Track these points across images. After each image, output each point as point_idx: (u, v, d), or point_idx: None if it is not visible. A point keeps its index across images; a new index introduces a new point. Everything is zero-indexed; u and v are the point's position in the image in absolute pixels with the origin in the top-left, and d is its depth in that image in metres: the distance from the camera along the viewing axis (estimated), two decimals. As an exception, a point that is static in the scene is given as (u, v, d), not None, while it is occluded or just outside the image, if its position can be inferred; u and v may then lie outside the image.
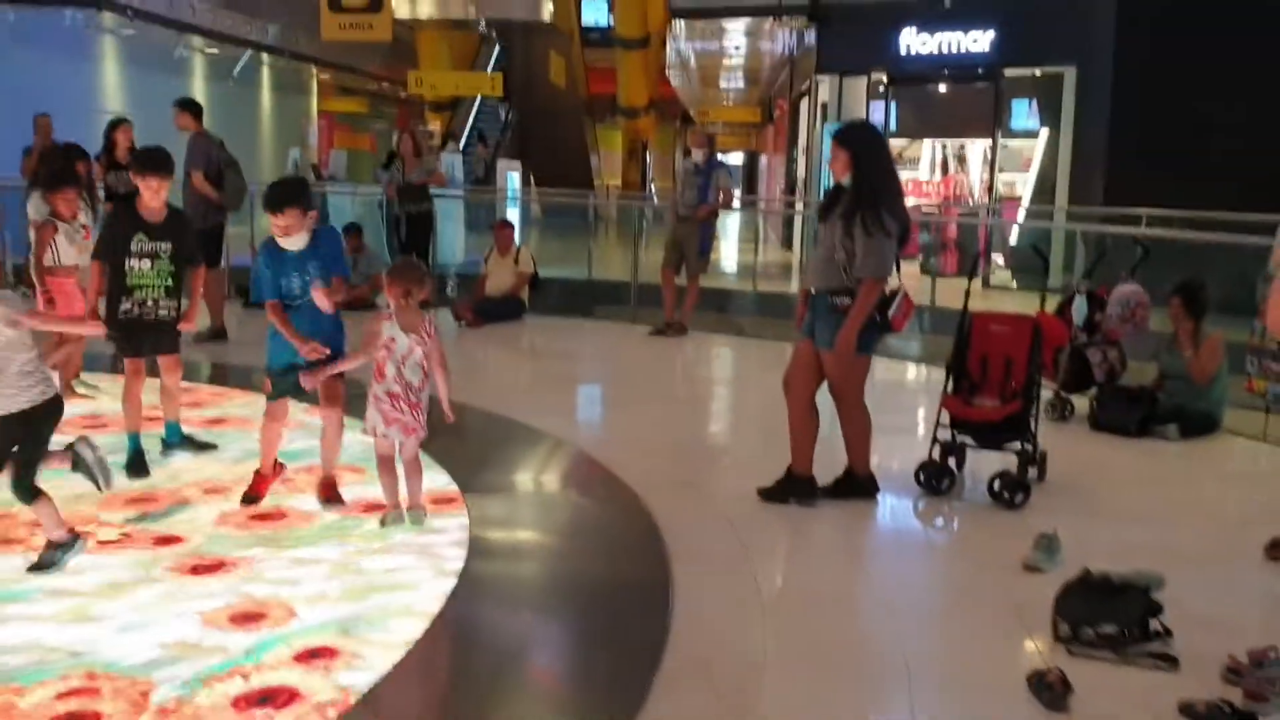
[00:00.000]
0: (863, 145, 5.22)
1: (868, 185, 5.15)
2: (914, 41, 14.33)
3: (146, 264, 5.44)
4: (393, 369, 4.70)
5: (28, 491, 4.14)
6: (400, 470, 4.88)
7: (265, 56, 22.09)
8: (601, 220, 19.09)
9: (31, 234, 6.79)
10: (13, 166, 11.44)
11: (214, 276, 8.71)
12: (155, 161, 5.44)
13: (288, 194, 4.75)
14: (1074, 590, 3.84)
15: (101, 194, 8.87)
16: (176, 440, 5.82)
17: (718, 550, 4.73)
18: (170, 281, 5.51)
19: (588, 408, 8.21)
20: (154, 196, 5.43)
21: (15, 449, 4.08)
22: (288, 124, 23.49)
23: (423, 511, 4.88)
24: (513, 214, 15.53)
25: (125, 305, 5.45)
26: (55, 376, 6.73)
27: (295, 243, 4.76)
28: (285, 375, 4.97)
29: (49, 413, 4.13)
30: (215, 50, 20.12)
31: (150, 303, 5.48)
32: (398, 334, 4.69)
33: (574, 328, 11.20)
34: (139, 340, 5.55)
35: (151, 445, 5.69)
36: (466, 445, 6.19)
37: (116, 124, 9.14)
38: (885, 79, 14.66)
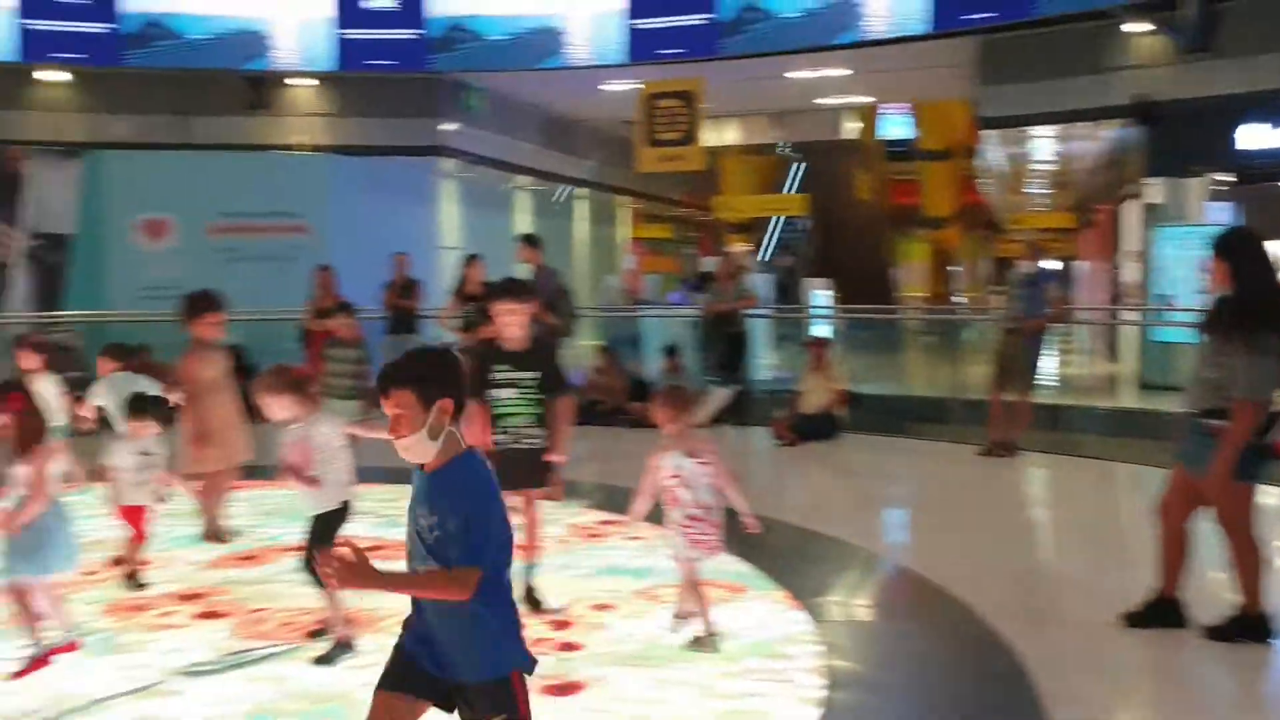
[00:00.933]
0: (1244, 256, 4.86)
1: (1250, 298, 4.77)
2: (1260, 136, 13.31)
3: (511, 393, 5.29)
4: (688, 494, 4.74)
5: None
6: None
7: (582, 190, 23.50)
8: (913, 334, 18.76)
9: None
10: (375, 299, 12.54)
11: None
12: (508, 288, 5.51)
13: (400, 368, 2.87)
14: None
15: (456, 324, 9.60)
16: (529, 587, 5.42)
17: (1093, 691, 4.37)
18: (537, 410, 5.30)
19: (922, 530, 7.91)
20: (509, 324, 5.33)
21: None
22: (602, 252, 24.77)
23: (685, 620, 4.91)
24: (823, 330, 15.50)
25: (497, 436, 5.31)
26: None
27: (415, 454, 2.84)
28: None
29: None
30: (538, 186, 21.61)
31: (519, 431, 5.29)
32: (682, 460, 4.75)
33: (893, 447, 10.92)
34: (512, 472, 5.18)
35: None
36: (806, 568, 6.12)
37: (470, 260, 9.88)
38: (1227, 178, 13.69)
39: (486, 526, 2.79)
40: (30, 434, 4.60)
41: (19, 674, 4.54)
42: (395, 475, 8.39)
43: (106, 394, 6.59)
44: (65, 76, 15.97)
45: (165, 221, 14.98)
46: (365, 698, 4.28)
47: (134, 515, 5.78)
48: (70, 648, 4.72)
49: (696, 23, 14.69)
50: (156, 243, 14.98)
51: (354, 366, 7.87)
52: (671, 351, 12.38)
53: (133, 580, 5.73)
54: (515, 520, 5.24)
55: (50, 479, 4.58)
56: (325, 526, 4.80)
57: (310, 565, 4.63)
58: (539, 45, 15.45)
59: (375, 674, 4.47)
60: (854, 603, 5.96)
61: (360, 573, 2.70)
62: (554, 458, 5.32)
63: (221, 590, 5.72)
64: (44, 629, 4.66)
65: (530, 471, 5.28)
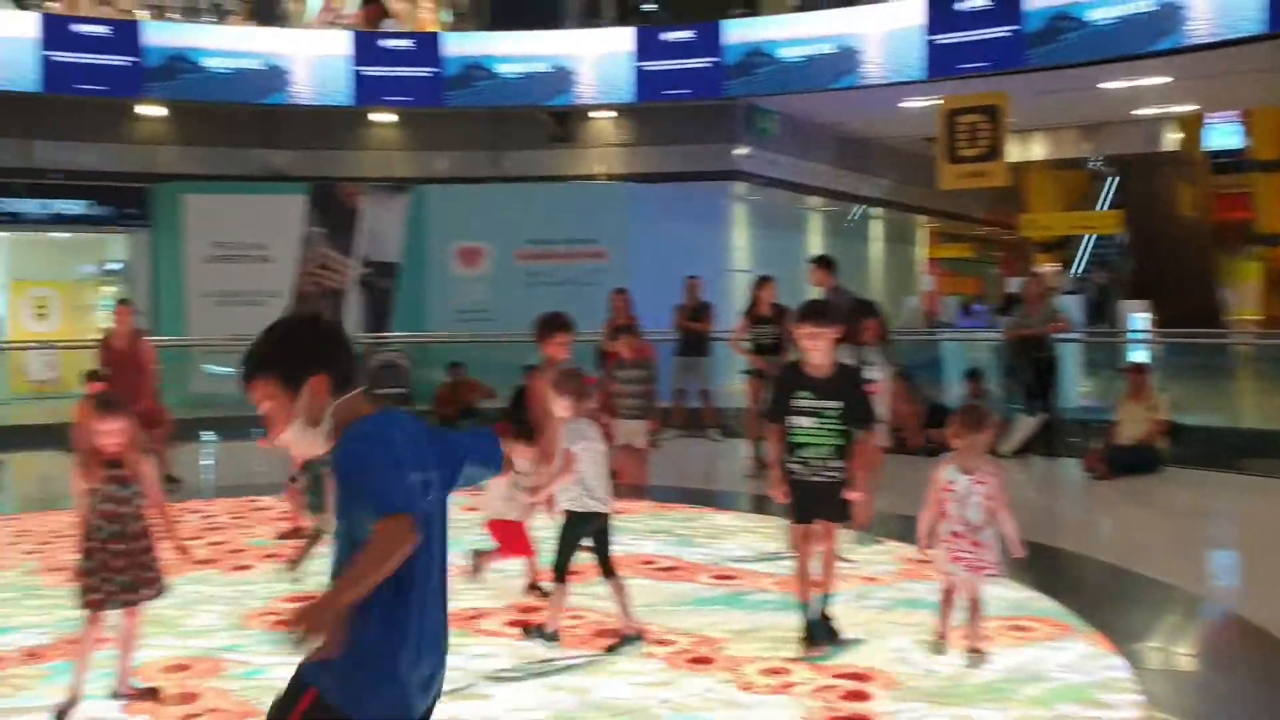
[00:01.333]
0: None
1: None
2: None
3: (810, 422, 5.01)
4: (955, 509, 4.81)
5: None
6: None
7: (876, 210, 23.10)
8: (1246, 361, 17.13)
9: None
10: (668, 321, 12.78)
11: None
12: (811, 310, 5.26)
13: (253, 352, 2.46)
14: None
15: (747, 346, 9.64)
16: (816, 621, 5.12)
17: None
18: (839, 441, 5.01)
19: (1256, 575, 7.14)
20: (813, 349, 5.04)
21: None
22: (898, 273, 24.23)
23: (980, 654, 4.82)
24: (1141, 356, 14.46)
25: (790, 465, 5.09)
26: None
27: (302, 447, 2.47)
28: None
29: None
30: (830, 207, 21.42)
31: (817, 462, 5.02)
32: (957, 476, 4.80)
33: (1222, 483, 9.96)
34: (805, 503, 5.09)
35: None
36: (1123, 610, 5.70)
37: (761, 281, 9.89)
38: None
39: (375, 473, 2.25)
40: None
41: None
42: (693, 496, 8.63)
43: None
44: (393, 118, 17.35)
45: (479, 249, 16.00)
46: (664, 714, 4.36)
47: (503, 529, 5.87)
48: None
49: (1000, 35, 14.12)
50: (471, 269, 16.02)
51: (639, 386, 8.06)
52: (974, 375, 11.91)
53: (535, 590, 5.84)
54: (817, 549, 5.22)
55: None
56: (569, 527, 5.15)
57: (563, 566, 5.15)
58: (834, 65, 15.31)
59: (676, 692, 4.59)
60: (1177, 650, 5.49)
61: (317, 610, 2.20)
62: (853, 495, 5.07)
63: (540, 604, 5.90)
64: None
65: (827, 505, 5.06)
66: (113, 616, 4.47)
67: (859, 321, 6.96)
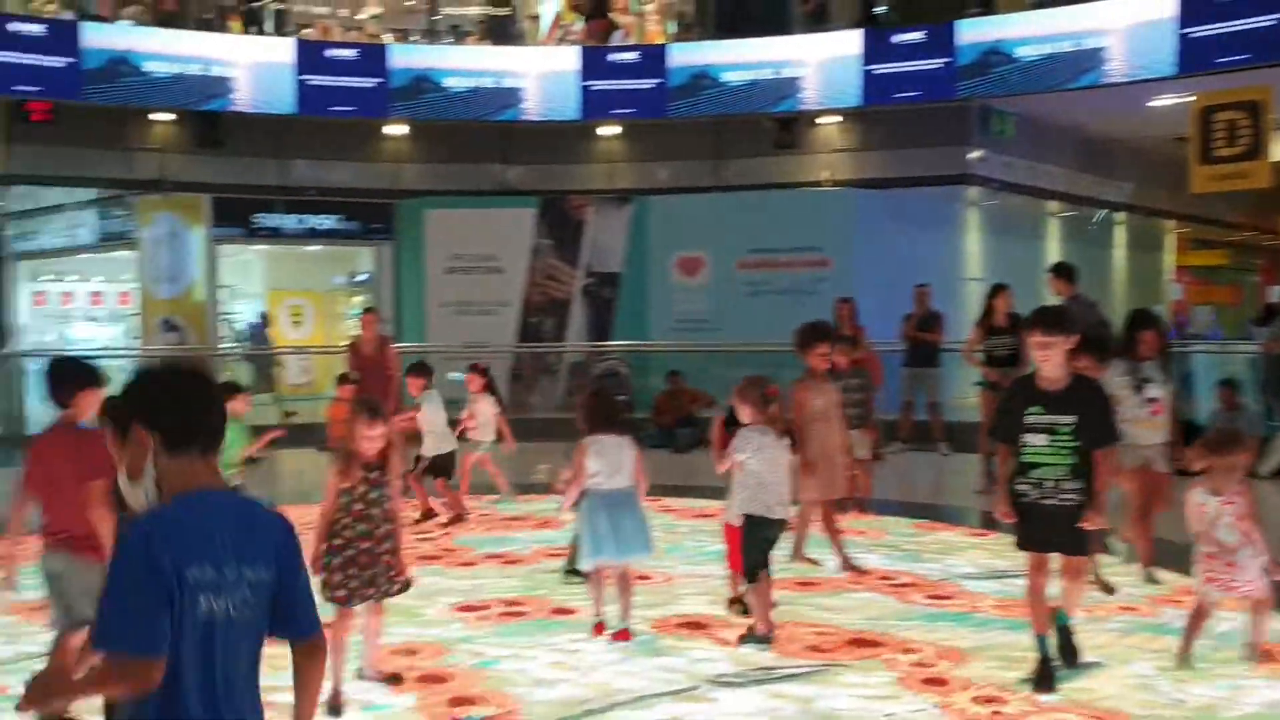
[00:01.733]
0: None
1: None
2: None
3: (1042, 439, 4.59)
4: (1205, 531, 4.84)
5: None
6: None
7: (1120, 215, 21.86)
8: None
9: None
10: (894, 332, 12.45)
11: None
12: (1041, 317, 4.79)
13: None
14: None
15: (980, 358, 9.28)
16: (1049, 657, 4.72)
17: None
18: (1075, 461, 4.57)
19: None
20: (1045, 359, 4.63)
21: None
22: (1143, 281, 22.84)
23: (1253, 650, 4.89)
24: None
25: (1021, 486, 4.67)
26: None
27: (133, 500, 2.61)
28: None
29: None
30: (1070, 212, 20.40)
31: (1051, 484, 4.59)
32: (1207, 499, 4.82)
33: None
34: (1035, 530, 4.68)
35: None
36: None
37: (997, 290, 9.50)
38: None
39: (108, 593, 2.13)
40: (585, 422, 5.41)
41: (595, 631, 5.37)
42: (920, 510, 8.38)
43: (429, 406, 8.26)
44: (617, 129, 17.67)
45: (699, 258, 16.08)
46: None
47: (735, 537, 5.64)
48: (622, 635, 5.27)
49: (1265, 24, 13.06)
50: (691, 278, 16.12)
51: (854, 395, 7.83)
52: (1228, 385, 11.06)
53: (737, 605, 5.71)
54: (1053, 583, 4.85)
55: (582, 470, 5.31)
56: (751, 530, 5.27)
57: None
58: (1075, 63, 14.56)
59: (900, 706, 4.45)
60: None
61: (46, 691, 2.29)
62: (1090, 522, 4.62)
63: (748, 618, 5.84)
64: (604, 606, 5.40)
65: (1063, 533, 4.63)
66: (359, 608, 4.70)
67: (1135, 333, 6.30)
